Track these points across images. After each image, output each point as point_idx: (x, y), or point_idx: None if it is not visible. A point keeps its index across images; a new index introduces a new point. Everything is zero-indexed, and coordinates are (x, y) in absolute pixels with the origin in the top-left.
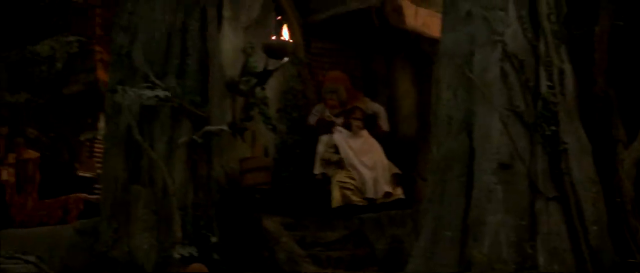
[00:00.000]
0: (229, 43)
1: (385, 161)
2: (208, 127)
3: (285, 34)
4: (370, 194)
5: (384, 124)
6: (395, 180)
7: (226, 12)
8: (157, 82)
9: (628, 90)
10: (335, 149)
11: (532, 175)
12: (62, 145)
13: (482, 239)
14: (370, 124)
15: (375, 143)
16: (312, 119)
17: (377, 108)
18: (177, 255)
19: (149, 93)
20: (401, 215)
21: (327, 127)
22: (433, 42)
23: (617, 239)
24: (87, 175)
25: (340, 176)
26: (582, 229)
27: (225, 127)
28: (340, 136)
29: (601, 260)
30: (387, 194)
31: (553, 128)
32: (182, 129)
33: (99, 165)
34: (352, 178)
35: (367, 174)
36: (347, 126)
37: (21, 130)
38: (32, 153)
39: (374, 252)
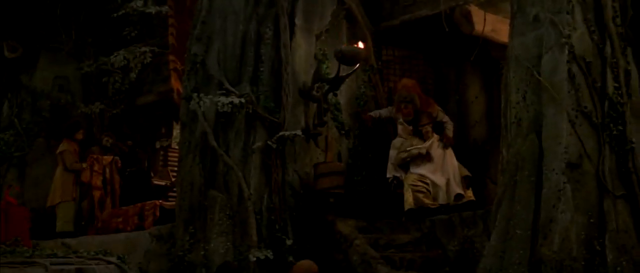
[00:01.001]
0: (302, 50)
1: (456, 164)
2: (282, 133)
3: (358, 42)
4: (442, 201)
5: (450, 133)
6: (466, 182)
7: (298, 21)
8: (232, 89)
9: None
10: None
11: (600, 174)
12: (141, 153)
13: (552, 237)
14: (437, 131)
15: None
16: (384, 112)
17: (445, 118)
18: (252, 258)
19: (224, 100)
20: (472, 217)
21: (381, 124)
22: (502, 47)
23: None
24: (161, 183)
25: (412, 179)
26: None
27: (299, 133)
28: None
29: None
30: (459, 196)
31: (620, 128)
32: (256, 134)
33: (172, 173)
34: (425, 182)
35: (439, 180)
36: (418, 133)
37: (97, 139)
38: (108, 159)
39: (446, 253)
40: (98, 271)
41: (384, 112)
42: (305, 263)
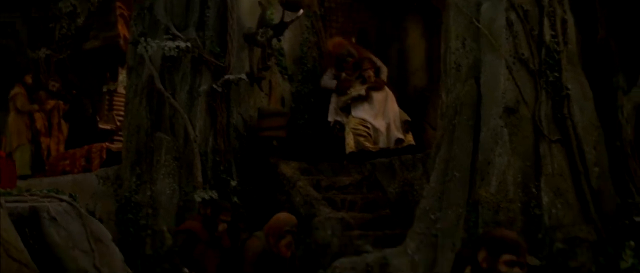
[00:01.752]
0: None
1: (397, 109)
2: (227, 76)
3: None
4: (383, 144)
5: (384, 77)
6: (406, 127)
7: None
8: (178, 34)
9: (628, 40)
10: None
11: (536, 119)
12: (86, 98)
13: (490, 179)
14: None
15: (390, 92)
16: (330, 83)
17: (381, 64)
18: (198, 199)
19: (170, 44)
20: (412, 160)
21: (345, 88)
22: None
23: (617, 181)
24: (107, 127)
25: (353, 123)
26: (584, 170)
27: (243, 77)
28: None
29: (602, 200)
30: (399, 141)
31: (556, 74)
32: (202, 78)
33: (118, 117)
34: (366, 126)
35: (380, 124)
36: (362, 78)
37: (43, 84)
38: (52, 103)
39: (386, 194)
40: (51, 208)
41: (330, 82)
42: (283, 215)
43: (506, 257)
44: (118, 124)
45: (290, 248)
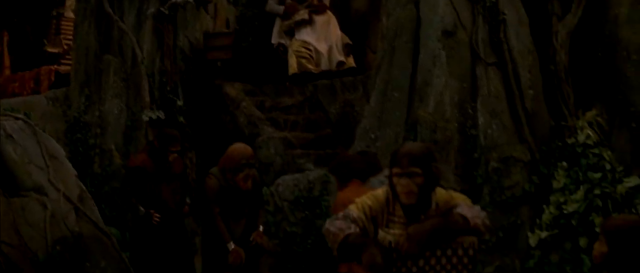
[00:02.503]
0: None
1: (339, 33)
2: (174, 0)
3: None
4: (325, 67)
5: (327, 3)
6: (347, 50)
7: None
8: None
9: None
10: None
11: (473, 42)
12: (28, 25)
13: (428, 100)
14: None
15: (332, 16)
16: (277, 8)
17: None
18: (145, 118)
19: None
20: (353, 82)
21: (292, 13)
22: None
23: (551, 104)
24: (55, 50)
25: (296, 46)
26: (519, 93)
27: (190, 0)
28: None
29: (536, 122)
30: (340, 63)
31: (493, 0)
32: (149, 2)
33: (65, 41)
34: (308, 49)
35: (322, 47)
36: (307, 3)
37: None
38: None
39: (327, 115)
40: (7, 126)
41: (277, 7)
42: (238, 147)
43: (395, 170)
44: (65, 47)
45: (247, 181)
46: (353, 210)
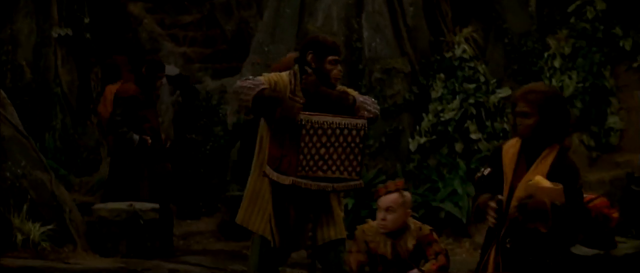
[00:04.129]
0: None
1: None
2: None
3: None
4: None
5: None
6: None
7: None
8: None
9: None
10: None
11: None
12: None
13: (317, 15)
14: None
15: None
16: None
17: None
18: (54, 35)
19: None
20: (248, 0)
21: None
22: None
23: (430, 20)
24: None
25: None
26: (400, 9)
27: None
28: None
29: (416, 37)
30: None
31: None
32: None
33: None
34: None
35: None
36: None
37: None
38: None
39: (224, 32)
40: None
41: None
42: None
43: (330, 57)
44: None
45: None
46: (261, 78)
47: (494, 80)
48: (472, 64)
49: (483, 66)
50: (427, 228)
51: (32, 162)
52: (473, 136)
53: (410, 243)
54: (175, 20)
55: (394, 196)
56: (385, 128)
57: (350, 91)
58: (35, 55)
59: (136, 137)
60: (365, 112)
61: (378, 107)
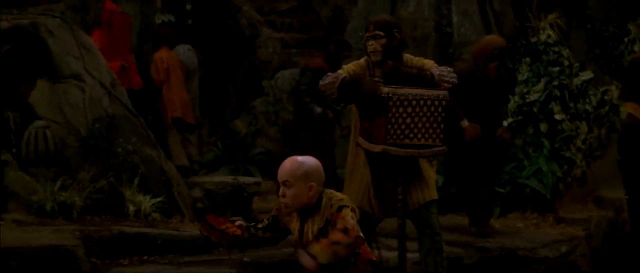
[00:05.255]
0: None
1: None
2: None
3: None
4: None
5: None
6: None
7: None
8: None
9: None
10: None
11: None
12: None
13: (409, 1)
14: None
15: None
16: None
17: None
18: (157, 21)
19: None
20: None
21: None
22: None
23: (516, 6)
24: None
25: None
26: None
27: None
28: None
29: (503, 22)
30: None
31: None
32: None
33: None
34: None
35: None
36: None
37: None
38: None
39: (319, 18)
40: (48, 23)
41: None
42: (493, 37)
43: (367, 34)
44: None
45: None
46: (339, 71)
47: (577, 64)
48: (556, 49)
49: (567, 50)
50: (337, 204)
51: (142, 139)
52: (557, 117)
53: (317, 225)
54: (273, 7)
55: (289, 167)
56: None
57: (427, 62)
58: (139, 40)
59: (318, 109)
60: (445, 84)
61: (455, 75)
